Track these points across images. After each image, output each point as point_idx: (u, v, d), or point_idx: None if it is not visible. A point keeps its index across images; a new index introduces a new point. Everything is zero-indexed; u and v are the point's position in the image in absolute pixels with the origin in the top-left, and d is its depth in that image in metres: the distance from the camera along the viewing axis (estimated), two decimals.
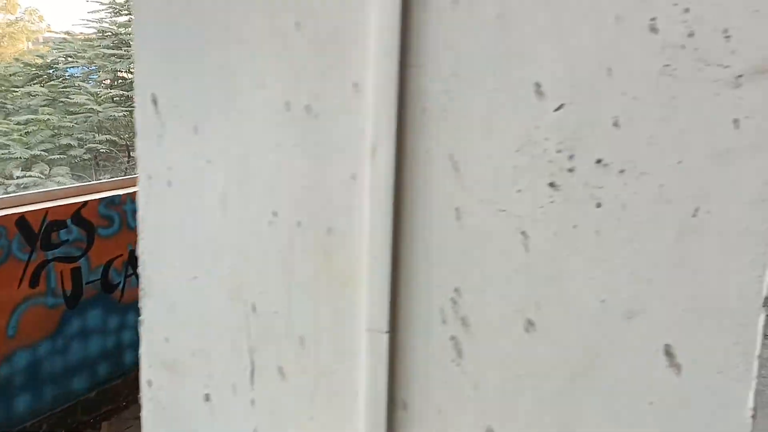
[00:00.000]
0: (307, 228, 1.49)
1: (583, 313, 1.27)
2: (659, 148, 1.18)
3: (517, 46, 1.26)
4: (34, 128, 11.58)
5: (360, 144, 1.39)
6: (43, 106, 11.80)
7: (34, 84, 12.64)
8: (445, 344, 1.39)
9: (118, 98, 11.79)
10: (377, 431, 1.45)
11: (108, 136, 11.48)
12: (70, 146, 11.41)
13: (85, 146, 11.41)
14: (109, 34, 12.53)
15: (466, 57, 1.30)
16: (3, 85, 12.78)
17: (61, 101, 11.86)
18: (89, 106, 11.61)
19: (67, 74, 12.93)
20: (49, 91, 12.19)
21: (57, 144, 11.44)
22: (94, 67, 12.78)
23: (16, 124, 11.67)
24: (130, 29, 11.83)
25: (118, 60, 11.86)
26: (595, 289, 1.25)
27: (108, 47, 12.42)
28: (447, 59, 1.31)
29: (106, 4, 12.43)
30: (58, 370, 4.07)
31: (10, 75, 13.24)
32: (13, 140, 11.57)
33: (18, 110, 12.27)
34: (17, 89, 12.41)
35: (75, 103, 11.79)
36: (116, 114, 11.56)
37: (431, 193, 1.36)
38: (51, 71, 12.89)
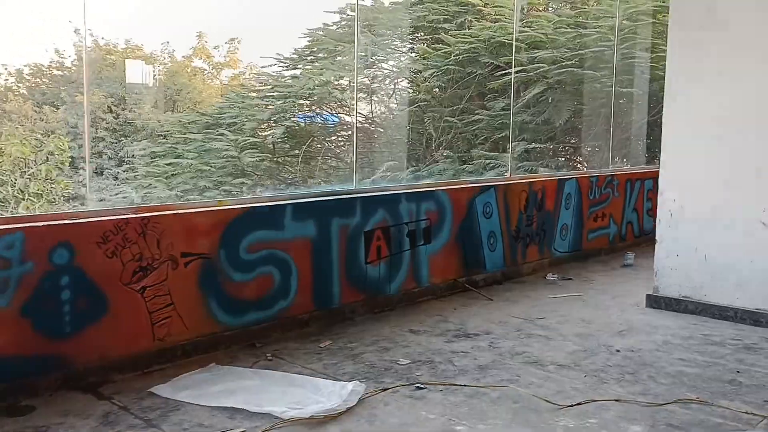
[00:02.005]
0: None
1: None
2: None
3: None
4: (179, 171, 12.90)
5: None
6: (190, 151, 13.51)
7: (207, 131, 14.47)
8: None
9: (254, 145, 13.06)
10: None
11: (242, 180, 12.59)
12: (206, 188, 12.76)
13: (221, 188, 12.77)
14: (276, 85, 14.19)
15: None
16: (180, 132, 14.28)
17: (207, 148, 13.54)
18: (230, 152, 12.98)
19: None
20: (204, 138, 13.66)
21: (195, 186, 12.79)
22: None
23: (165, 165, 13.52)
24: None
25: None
26: None
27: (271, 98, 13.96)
28: None
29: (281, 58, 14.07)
30: None
31: (188, 123, 14.64)
32: (159, 181, 13.42)
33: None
34: (193, 135, 13.98)
35: (217, 149, 12.98)
36: (252, 160, 12.88)
37: None
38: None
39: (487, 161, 10.83)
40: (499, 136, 11.91)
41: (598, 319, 5.83)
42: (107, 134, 23.67)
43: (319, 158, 15.13)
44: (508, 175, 7.79)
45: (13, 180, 13.96)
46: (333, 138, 16.70)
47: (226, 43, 21.04)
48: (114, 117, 25.11)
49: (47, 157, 14.94)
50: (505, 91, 12.28)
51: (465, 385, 4.31)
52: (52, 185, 14.47)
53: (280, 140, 15.60)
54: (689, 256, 5.96)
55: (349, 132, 16.13)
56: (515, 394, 4.20)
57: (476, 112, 12.03)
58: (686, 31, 5.89)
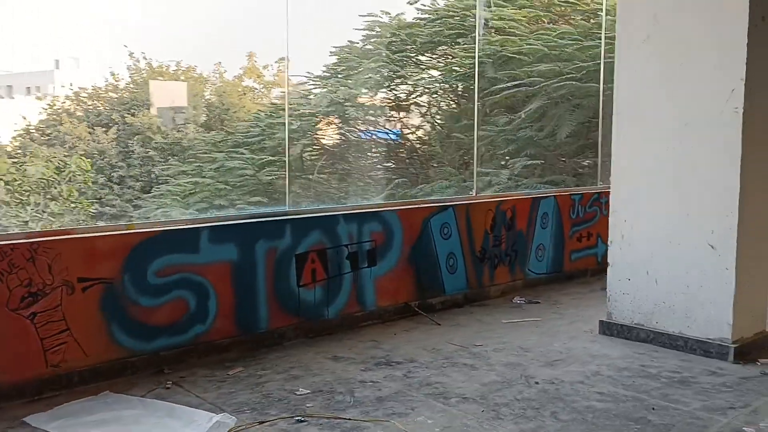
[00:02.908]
0: None
1: None
2: None
3: None
4: (197, 189, 14.06)
5: None
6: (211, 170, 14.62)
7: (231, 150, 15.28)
8: None
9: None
10: None
11: (258, 198, 13.60)
12: (222, 206, 13.64)
13: (235, 206, 13.39)
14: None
15: None
16: (210, 150, 15.51)
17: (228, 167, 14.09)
18: (247, 171, 13.70)
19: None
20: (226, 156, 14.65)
21: (211, 204, 13.75)
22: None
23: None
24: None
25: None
26: None
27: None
28: None
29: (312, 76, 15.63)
30: None
31: (218, 141, 15.78)
32: (176, 201, 14.24)
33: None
34: (234, 153, 14.89)
35: (234, 168, 14.05)
36: (270, 179, 13.93)
37: None
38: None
39: (486, 177, 10.55)
40: (501, 152, 11.61)
41: (539, 346, 5.51)
42: (156, 153, 24.43)
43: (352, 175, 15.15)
44: (474, 194, 7.51)
45: (34, 200, 14.47)
46: (368, 155, 16.75)
47: (275, 62, 22.12)
48: (162, 137, 25.82)
49: (70, 177, 15.47)
50: (510, 106, 11.97)
51: (348, 419, 4.10)
52: (73, 205, 14.94)
53: (311, 159, 15.84)
54: (640, 280, 5.58)
55: (381, 149, 16.20)
56: (395, 429, 3.97)
57: (481, 127, 11.76)
58: (633, 41, 5.55)
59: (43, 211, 13.52)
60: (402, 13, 15.60)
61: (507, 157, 11.51)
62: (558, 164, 11.63)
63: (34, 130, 30.98)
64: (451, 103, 14.29)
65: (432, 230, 6.56)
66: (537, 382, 4.71)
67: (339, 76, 16.74)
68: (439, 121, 14.45)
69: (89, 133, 30.40)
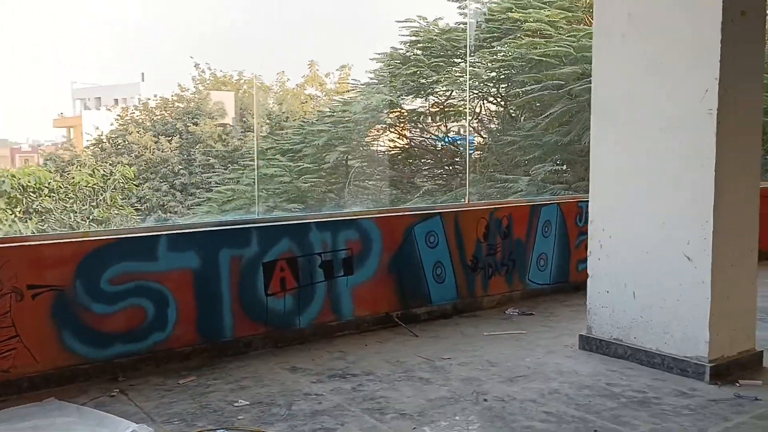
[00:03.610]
0: None
1: None
2: None
3: None
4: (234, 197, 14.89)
5: None
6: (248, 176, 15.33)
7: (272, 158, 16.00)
8: None
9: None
10: None
11: (294, 204, 14.26)
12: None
13: (272, 213, 14.17)
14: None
15: None
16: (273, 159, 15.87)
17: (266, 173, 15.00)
18: (284, 179, 14.41)
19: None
20: (267, 164, 15.19)
21: (248, 210, 13.81)
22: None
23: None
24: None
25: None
26: None
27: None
28: None
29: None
30: None
31: (267, 149, 16.49)
32: (213, 208, 15.00)
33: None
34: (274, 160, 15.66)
35: (272, 175, 14.62)
36: (305, 185, 14.66)
37: None
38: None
39: (506, 184, 10.28)
40: (527, 157, 11.28)
41: (508, 361, 5.27)
42: (216, 162, 25.10)
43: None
44: (466, 201, 7.28)
45: (79, 207, 14.97)
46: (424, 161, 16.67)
47: (336, 70, 22.56)
48: (223, 145, 26.50)
49: (114, 185, 15.94)
50: (535, 109, 11.62)
51: None
52: (116, 212, 15.38)
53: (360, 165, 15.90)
54: (619, 292, 5.26)
55: (436, 155, 16.09)
56: None
57: (508, 132, 11.47)
58: (608, 40, 5.25)
59: (87, 218, 13.97)
60: (440, 18, 15.47)
61: (530, 163, 11.19)
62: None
63: (105, 140, 32.31)
64: (487, 108, 14.05)
65: (416, 238, 6.39)
66: (485, 399, 4.48)
67: (381, 83, 16.72)
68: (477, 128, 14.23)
69: (154, 142, 31.45)
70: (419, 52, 15.96)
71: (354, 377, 4.95)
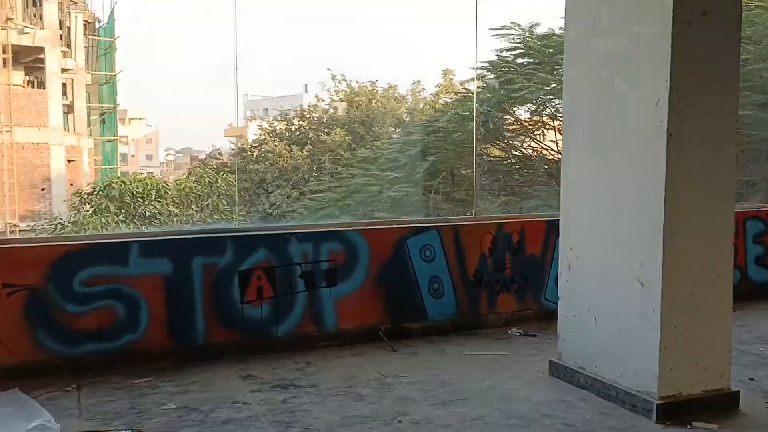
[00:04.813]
0: None
1: None
2: None
3: None
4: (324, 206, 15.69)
5: None
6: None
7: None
8: None
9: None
10: None
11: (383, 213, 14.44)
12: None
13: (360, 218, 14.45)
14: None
15: None
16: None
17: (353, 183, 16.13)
18: (373, 188, 14.88)
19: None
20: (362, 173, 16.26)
21: (335, 218, 14.78)
22: None
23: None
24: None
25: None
26: None
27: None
28: None
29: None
30: None
31: (373, 158, 17.31)
32: (302, 216, 16.32)
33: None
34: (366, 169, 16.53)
35: (362, 184, 15.44)
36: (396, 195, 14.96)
37: None
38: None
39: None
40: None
41: (464, 383, 5.05)
42: (343, 170, 26.02)
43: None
44: (472, 215, 7.02)
45: (183, 210, 15.96)
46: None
47: (471, 79, 22.73)
48: (351, 154, 27.41)
49: (219, 192, 16.83)
50: None
51: None
52: (217, 216, 16.23)
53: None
54: (583, 317, 4.89)
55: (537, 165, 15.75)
56: None
57: None
58: (575, 46, 4.92)
59: (191, 219, 14.90)
60: (537, 24, 15.05)
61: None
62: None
63: (247, 149, 34.23)
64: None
65: (409, 252, 6.28)
66: (400, 421, 4.35)
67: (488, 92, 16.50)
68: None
69: (288, 150, 32.88)
70: (521, 60, 15.61)
71: (295, 389, 4.96)
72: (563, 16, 5.01)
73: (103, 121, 35.92)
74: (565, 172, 5.04)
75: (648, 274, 4.32)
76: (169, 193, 14.96)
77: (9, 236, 13.17)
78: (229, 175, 17.37)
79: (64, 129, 32.71)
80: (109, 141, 36.12)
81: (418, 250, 6.31)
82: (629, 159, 4.43)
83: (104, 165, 35.45)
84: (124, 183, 14.27)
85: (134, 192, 14.04)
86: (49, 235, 11.38)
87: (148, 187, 14.27)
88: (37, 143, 28.56)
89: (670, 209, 4.20)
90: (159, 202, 14.53)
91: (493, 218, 7.04)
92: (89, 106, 34.91)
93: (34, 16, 31.21)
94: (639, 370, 4.42)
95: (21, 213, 23.98)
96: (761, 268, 7.87)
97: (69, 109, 33.51)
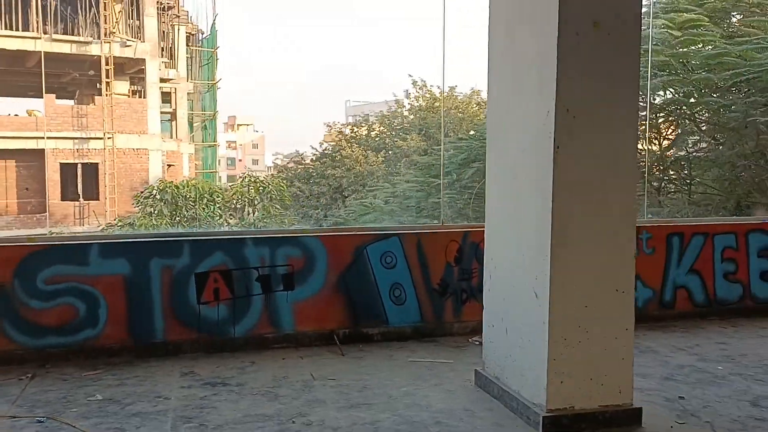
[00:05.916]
0: None
1: None
2: None
3: None
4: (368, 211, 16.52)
5: None
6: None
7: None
8: None
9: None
10: None
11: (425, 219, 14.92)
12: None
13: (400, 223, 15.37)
14: None
15: None
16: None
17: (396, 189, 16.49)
18: (417, 194, 15.44)
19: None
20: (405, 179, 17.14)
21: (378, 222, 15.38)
22: None
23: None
24: None
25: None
26: None
27: None
28: None
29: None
30: None
31: (432, 164, 17.50)
32: (343, 221, 17.17)
33: None
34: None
35: (405, 190, 16.06)
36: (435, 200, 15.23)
37: None
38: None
39: None
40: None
41: (382, 388, 5.12)
42: (419, 174, 25.97)
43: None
44: (440, 223, 7.02)
45: (238, 214, 16.56)
46: None
47: None
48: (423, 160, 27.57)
49: (270, 196, 17.33)
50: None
51: (74, 426, 4.43)
52: (268, 220, 16.71)
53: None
54: (498, 328, 4.87)
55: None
56: None
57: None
58: (493, 54, 4.90)
59: (237, 224, 15.49)
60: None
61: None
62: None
63: (320, 154, 34.85)
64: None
65: (369, 258, 6.39)
66: (293, 422, 4.48)
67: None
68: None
69: (364, 156, 33.27)
70: None
71: (222, 387, 5.19)
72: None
73: (204, 127, 37.64)
74: (487, 184, 5.04)
75: (540, 285, 4.27)
76: (222, 197, 15.61)
77: None
78: (282, 180, 17.90)
79: (168, 135, 34.49)
80: (210, 146, 37.74)
81: (379, 257, 6.41)
82: (527, 171, 4.40)
83: (204, 169, 37.10)
84: (177, 188, 15.03)
85: (186, 196, 14.77)
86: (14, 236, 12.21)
87: (201, 192, 14.97)
88: (137, 149, 30.33)
89: (558, 221, 4.15)
90: (210, 206, 15.20)
91: (459, 227, 7.02)
92: (191, 113, 36.64)
93: (139, 29, 33.11)
94: (533, 382, 4.37)
95: (120, 214, 25.56)
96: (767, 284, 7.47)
97: (172, 116, 35.35)
